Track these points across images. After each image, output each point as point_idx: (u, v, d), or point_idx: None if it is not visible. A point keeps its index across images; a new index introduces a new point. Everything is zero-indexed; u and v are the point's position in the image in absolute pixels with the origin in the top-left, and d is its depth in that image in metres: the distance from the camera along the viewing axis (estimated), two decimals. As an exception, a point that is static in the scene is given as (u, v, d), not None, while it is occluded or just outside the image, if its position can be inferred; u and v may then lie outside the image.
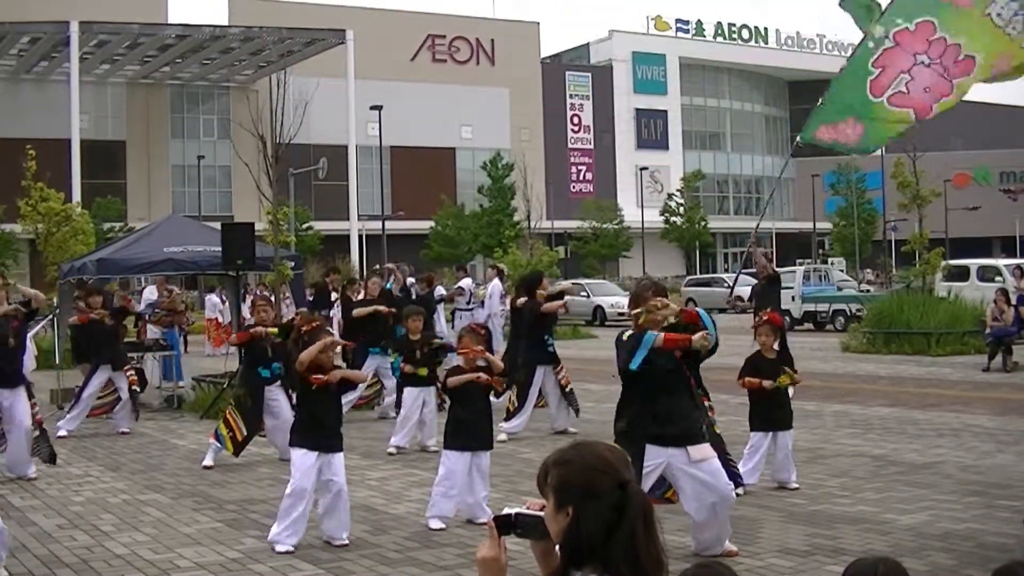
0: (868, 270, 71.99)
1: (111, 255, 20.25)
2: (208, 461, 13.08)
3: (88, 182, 62.94)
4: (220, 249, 18.41)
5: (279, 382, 13.44)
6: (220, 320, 31.33)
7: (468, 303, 24.77)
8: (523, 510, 3.00)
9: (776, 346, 11.20)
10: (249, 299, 25.95)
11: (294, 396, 10.92)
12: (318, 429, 9.14)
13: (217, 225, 20.98)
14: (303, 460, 9.02)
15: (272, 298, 17.06)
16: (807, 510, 9.93)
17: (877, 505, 10.04)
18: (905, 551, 8.16)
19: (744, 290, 29.76)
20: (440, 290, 24.71)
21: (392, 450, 13.59)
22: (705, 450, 8.13)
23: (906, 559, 7.45)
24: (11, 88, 73.23)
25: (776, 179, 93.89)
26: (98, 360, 16.39)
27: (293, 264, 21.15)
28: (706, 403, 9.59)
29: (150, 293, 28.27)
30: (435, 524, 9.51)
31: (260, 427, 13.44)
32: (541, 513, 2.96)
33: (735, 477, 9.34)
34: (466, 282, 25.70)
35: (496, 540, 2.99)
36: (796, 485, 10.85)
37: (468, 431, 9.65)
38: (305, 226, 66.15)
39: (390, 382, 16.55)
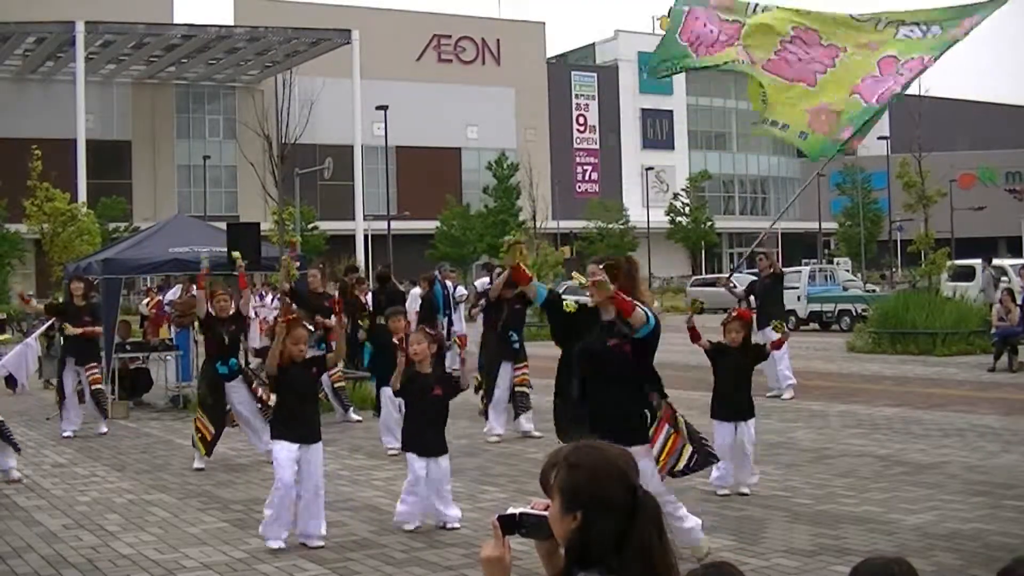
0: (872, 271, 71.88)
1: (117, 255, 20.24)
2: (198, 464, 13.05)
3: (93, 182, 63.00)
4: (226, 249, 18.41)
5: (240, 377, 13.44)
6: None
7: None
8: (528, 510, 2.99)
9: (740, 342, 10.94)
10: (255, 299, 26.05)
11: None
12: (294, 420, 9.19)
13: (223, 225, 20.99)
14: (282, 452, 9.06)
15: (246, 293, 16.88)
16: (812, 510, 9.92)
17: (883, 505, 10.03)
18: (911, 551, 8.15)
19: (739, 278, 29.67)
20: (461, 290, 24.68)
21: (393, 451, 13.51)
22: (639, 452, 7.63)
23: (912, 559, 7.43)
24: (17, 88, 73.31)
25: (781, 179, 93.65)
26: (63, 355, 16.38)
27: (299, 264, 21.15)
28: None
29: (173, 294, 28.30)
30: (408, 526, 9.54)
31: (226, 422, 13.43)
32: (546, 513, 2.95)
33: (710, 456, 8.92)
34: (480, 282, 25.63)
35: (500, 540, 2.97)
36: (747, 490, 10.65)
37: (420, 437, 9.59)
38: (311, 226, 66.15)
39: None
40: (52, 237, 29.72)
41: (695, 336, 10.84)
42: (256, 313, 30.36)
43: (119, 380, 18.85)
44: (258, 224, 20.02)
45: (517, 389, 15.12)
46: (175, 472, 12.89)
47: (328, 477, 12.06)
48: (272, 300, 25.82)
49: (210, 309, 13.64)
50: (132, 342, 20.61)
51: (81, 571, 8.57)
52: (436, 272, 20.65)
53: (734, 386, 10.83)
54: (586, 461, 2.92)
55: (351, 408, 17.26)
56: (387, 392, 13.40)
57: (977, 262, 34.91)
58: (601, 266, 7.78)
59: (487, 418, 15.00)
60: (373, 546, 9.06)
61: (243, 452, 13.86)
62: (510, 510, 3.01)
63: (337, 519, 9.89)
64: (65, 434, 15.66)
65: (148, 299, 26.28)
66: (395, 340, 11.85)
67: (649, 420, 8.08)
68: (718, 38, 11.86)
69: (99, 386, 16.43)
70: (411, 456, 9.56)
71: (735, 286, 20.24)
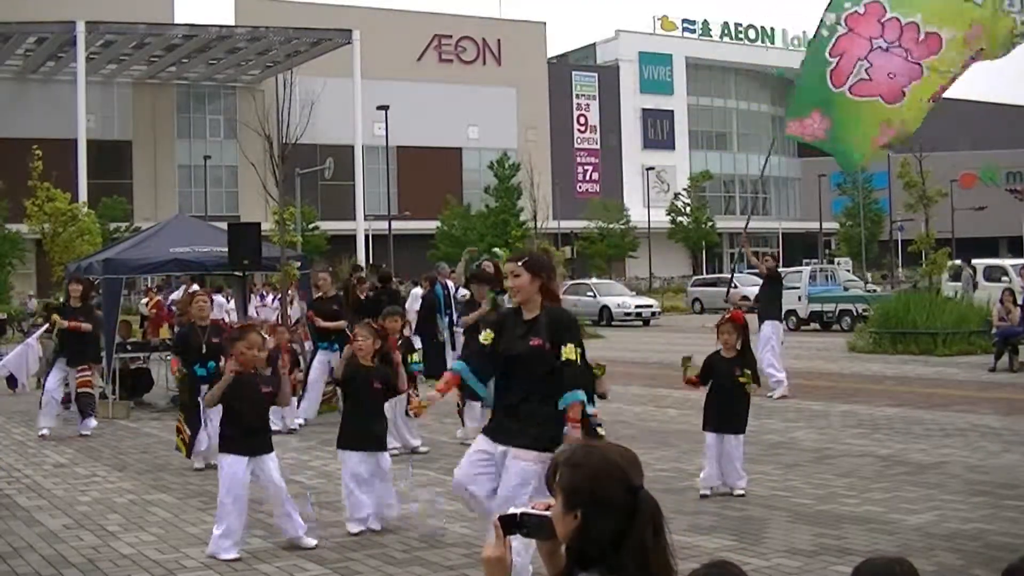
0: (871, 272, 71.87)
1: (117, 255, 20.27)
2: (198, 464, 13.00)
3: (94, 182, 63.00)
4: (226, 249, 18.44)
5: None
6: (227, 320, 31.33)
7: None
8: (529, 510, 3.00)
9: (738, 345, 10.62)
10: (256, 298, 26.02)
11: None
12: (244, 432, 8.87)
13: (223, 225, 21.01)
14: (232, 467, 8.81)
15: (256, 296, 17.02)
16: (814, 510, 9.91)
17: (884, 505, 10.02)
18: (912, 551, 8.14)
19: (751, 290, 29.70)
20: (463, 291, 24.64)
21: (395, 451, 13.47)
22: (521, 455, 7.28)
23: (913, 559, 7.42)
24: (18, 88, 73.33)
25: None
26: (57, 355, 16.26)
27: (300, 264, 21.18)
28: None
29: (177, 295, 28.33)
30: (353, 528, 9.46)
31: (199, 423, 13.25)
32: (547, 513, 2.95)
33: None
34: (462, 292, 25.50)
35: (501, 540, 2.98)
36: (742, 492, 10.58)
37: (359, 432, 9.49)
38: (311, 226, 66.17)
39: None
40: (53, 237, 29.74)
41: (696, 384, 10.78)
42: (257, 313, 30.41)
43: (120, 380, 18.84)
44: (259, 224, 20.06)
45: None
46: (176, 472, 12.89)
47: (330, 477, 12.09)
48: (273, 300, 25.83)
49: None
50: (133, 342, 20.61)
51: (82, 571, 8.56)
52: (435, 272, 20.61)
53: (728, 397, 10.63)
54: (587, 461, 2.94)
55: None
56: None
57: (957, 263, 34.96)
58: (521, 263, 7.57)
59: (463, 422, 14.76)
60: (374, 546, 9.05)
61: (187, 459, 13.81)
62: (511, 510, 3.02)
63: (338, 519, 9.88)
64: (42, 432, 15.63)
65: (147, 299, 26.29)
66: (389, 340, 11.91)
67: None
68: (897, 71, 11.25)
69: (87, 389, 16.20)
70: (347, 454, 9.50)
71: (747, 298, 20.40)
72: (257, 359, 8.99)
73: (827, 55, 11.42)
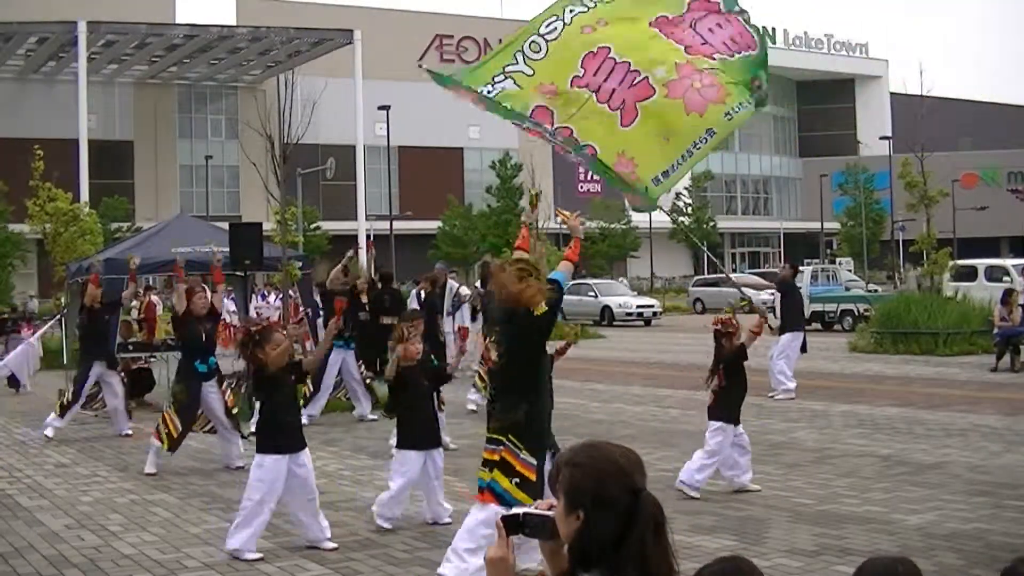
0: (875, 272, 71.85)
1: (119, 255, 20.25)
2: (150, 468, 12.79)
3: (96, 182, 62.96)
4: (228, 249, 18.43)
5: (216, 377, 13.42)
6: (227, 320, 31.33)
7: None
8: (531, 510, 3.00)
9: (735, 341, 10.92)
10: (258, 298, 26.02)
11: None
12: (281, 429, 8.96)
13: (225, 225, 21.00)
14: (274, 469, 8.86)
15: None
16: (815, 510, 9.92)
17: (885, 505, 10.03)
18: (913, 551, 8.14)
19: (752, 291, 29.75)
20: (464, 290, 24.65)
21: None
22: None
23: (914, 559, 7.43)
24: (19, 88, 73.32)
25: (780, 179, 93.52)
26: (92, 357, 16.26)
27: (301, 264, 21.18)
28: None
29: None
30: (385, 524, 9.59)
31: (194, 421, 13.31)
32: (550, 513, 2.96)
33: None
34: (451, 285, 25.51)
35: (504, 540, 2.98)
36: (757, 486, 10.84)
37: (417, 431, 9.60)
38: (313, 226, 66.13)
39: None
40: (54, 237, 29.67)
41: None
42: (258, 313, 30.43)
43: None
44: (260, 224, 20.03)
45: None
46: (177, 472, 12.89)
47: (331, 477, 12.11)
48: (275, 299, 25.85)
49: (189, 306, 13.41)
50: (134, 342, 20.61)
51: (83, 571, 8.57)
52: (437, 271, 20.74)
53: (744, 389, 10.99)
54: (589, 461, 2.94)
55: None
56: None
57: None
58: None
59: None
60: (375, 546, 9.06)
61: (244, 453, 13.85)
62: (514, 510, 3.03)
63: (339, 519, 9.89)
64: (47, 432, 15.61)
65: (137, 303, 26.09)
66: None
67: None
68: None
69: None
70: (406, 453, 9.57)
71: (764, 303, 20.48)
72: (285, 354, 9.08)
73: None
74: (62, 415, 15.84)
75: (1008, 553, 7.98)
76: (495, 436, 7.62)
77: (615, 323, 45.47)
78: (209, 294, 13.55)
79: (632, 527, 2.86)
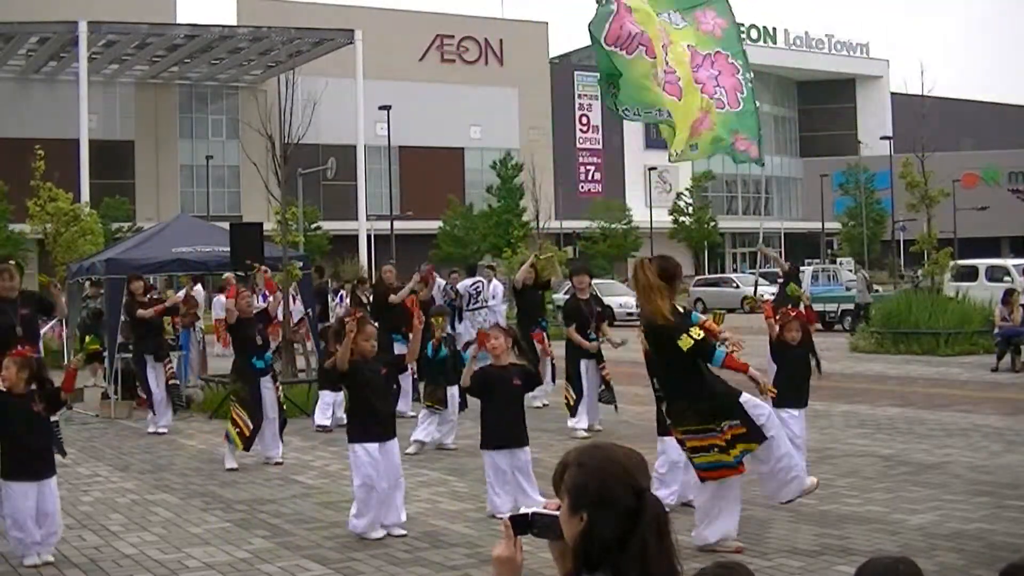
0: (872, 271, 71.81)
1: (120, 255, 20.28)
2: (231, 463, 13.01)
3: (97, 182, 62.96)
4: (229, 249, 18.45)
5: (271, 373, 13.63)
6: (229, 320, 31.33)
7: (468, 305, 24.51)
8: (540, 510, 2.99)
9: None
10: (258, 299, 25.93)
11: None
12: (374, 419, 9.35)
13: (226, 225, 21.02)
14: (368, 456, 9.25)
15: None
16: (816, 510, 9.91)
17: (886, 505, 10.03)
18: (914, 551, 8.14)
19: (752, 290, 29.70)
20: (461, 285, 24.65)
21: (411, 450, 13.43)
22: None
23: (915, 559, 7.42)
24: (20, 88, 73.32)
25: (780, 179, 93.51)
26: (142, 350, 16.74)
27: (302, 264, 21.19)
28: None
29: (182, 296, 28.30)
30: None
31: (262, 417, 13.33)
32: (558, 513, 2.95)
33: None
34: (461, 285, 25.48)
35: (512, 539, 2.97)
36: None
37: (502, 431, 9.79)
38: (314, 226, 66.13)
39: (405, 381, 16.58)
40: (55, 237, 29.67)
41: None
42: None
43: (122, 380, 18.83)
44: (261, 224, 20.05)
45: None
46: (178, 472, 12.90)
47: (332, 477, 12.11)
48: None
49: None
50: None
51: (84, 571, 8.57)
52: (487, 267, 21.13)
53: (802, 377, 11.40)
54: (593, 462, 2.93)
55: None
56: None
57: (1012, 263, 35.03)
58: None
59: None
60: (376, 546, 9.06)
61: (246, 452, 13.86)
62: (523, 510, 3.02)
63: (340, 519, 9.89)
64: (159, 430, 15.93)
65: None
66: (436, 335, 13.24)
67: None
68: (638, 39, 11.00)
69: (174, 380, 17.04)
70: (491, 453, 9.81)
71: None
72: (373, 349, 9.44)
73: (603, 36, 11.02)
74: (155, 411, 16.37)
75: (1010, 553, 7.98)
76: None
77: (615, 323, 45.38)
78: (258, 299, 14.12)
79: (635, 528, 2.85)
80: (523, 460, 9.79)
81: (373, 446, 9.22)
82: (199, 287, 25.55)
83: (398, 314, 16.37)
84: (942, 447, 13.21)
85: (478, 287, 21.73)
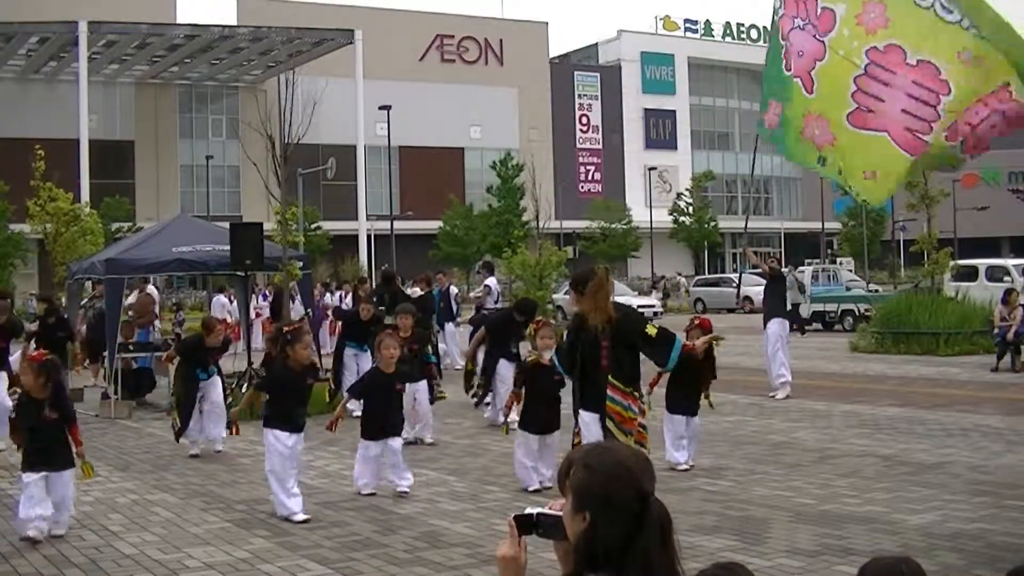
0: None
1: (120, 255, 20.27)
2: (194, 450, 14.00)
3: (97, 182, 63.04)
4: (229, 249, 18.44)
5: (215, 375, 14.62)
6: (228, 320, 31.36)
7: (496, 302, 24.61)
8: (545, 510, 2.98)
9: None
10: (259, 299, 25.95)
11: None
12: (379, 420, 11.05)
13: (226, 225, 21.01)
14: (368, 450, 10.97)
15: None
16: (816, 510, 9.91)
17: (886, 505, 10.02)
18: (914, 551, 8.13)
19: (753, 290, 29.66)
20: (454, 289, 24.72)
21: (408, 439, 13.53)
22: None
23: (916, 559, 7.43)
24: (20, 88, 73.36)
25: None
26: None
27: (302, 264, 21.19)
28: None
29: (133, 299, 28.33)
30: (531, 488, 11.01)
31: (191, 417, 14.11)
32: (562, 513, 2.94)
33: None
34: (491, 281, 25.55)
35: (516, 539, 2.96)
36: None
37: (538, 417, 11.06)
38: (314, 226, 66.16)
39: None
40: (55, 237, 29.72)
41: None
42: (257, 313, 30.45)
43: (122, 380, 18.83)
44: (261, 224, 20.04)
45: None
46: (178, 472, 12.89)
47: (331, 477, 12.10)
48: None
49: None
50: (135, 343, 20.61)
51: (84, 571, 8.57)
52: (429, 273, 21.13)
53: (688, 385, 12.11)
54: (598, 462, 2.91)
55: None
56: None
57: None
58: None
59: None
60: (376, 546, 9.05)
61: (245, 452, 13.86)
62: (527, 510, 3.01)
63: (340, 519, 9.89)
64: (218, 448, 14.39)
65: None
66: (401, 336, 13.15)
67: None
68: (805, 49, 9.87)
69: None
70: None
71: (750, 299, 20.95)
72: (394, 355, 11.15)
73: (780, 38, 10.24)
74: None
75: (1010, 553, 7.98)
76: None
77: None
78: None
79: (639, 532, 2.83)
80: (551, 445, 11.02)
81: (377, 443, 10.87)
82: (152, 287, 25.56)
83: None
84: (942, 447, 13.20)
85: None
